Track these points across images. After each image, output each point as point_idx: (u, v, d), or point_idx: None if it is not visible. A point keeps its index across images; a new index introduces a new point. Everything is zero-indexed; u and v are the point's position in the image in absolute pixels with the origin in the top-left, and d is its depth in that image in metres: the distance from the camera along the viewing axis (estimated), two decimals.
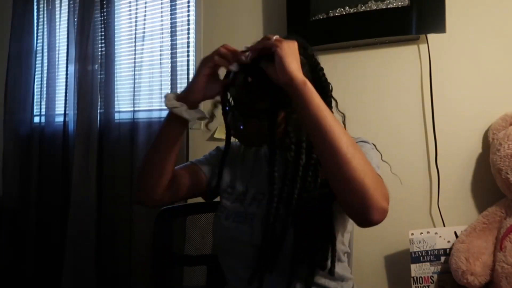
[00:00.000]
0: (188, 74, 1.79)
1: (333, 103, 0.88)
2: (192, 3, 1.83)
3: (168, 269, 1.19)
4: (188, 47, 1.81)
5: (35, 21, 2.26)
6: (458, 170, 1.35)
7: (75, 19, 2.05)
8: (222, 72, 0.86)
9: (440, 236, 1.27)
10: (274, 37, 0.75)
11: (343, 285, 0.88)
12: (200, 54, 1.80)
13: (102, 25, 1.99)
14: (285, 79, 0.70)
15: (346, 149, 0.65)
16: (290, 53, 0.71)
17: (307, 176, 0.80)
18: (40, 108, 2.19)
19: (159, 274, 1.16)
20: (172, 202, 1.01)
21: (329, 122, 0.67)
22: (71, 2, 2.09)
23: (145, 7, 1.92)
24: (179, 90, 1.81)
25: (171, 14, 1.84)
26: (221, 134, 1.67)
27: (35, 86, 2.23)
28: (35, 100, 2.24)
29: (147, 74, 1.92)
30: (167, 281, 1.17)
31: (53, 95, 2.15)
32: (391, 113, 1.45)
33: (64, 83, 2.09)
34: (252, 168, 0.96)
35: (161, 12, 1.89)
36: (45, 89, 2.16)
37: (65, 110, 2.07)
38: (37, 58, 2.22)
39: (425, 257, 1.26)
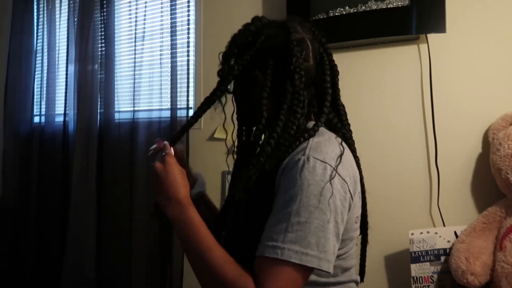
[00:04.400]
0: (188, 74, 1.79)
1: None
2: (192, 3, 1.83)
3: None
4: (188, 47, 1.81)
5: (35, 21, 2.26)
6: (458, 170, 1.35)
7: (75, 19, 2.05)
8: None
9: (440, 236, 1.27)
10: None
11: None
12: (200, 54, 1.80)
13: (102, 25, 1.99)
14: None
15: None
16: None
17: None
18: (40, 108, 2.19)
19: None
20: None
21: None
22: (71, 2, 2.09)
23: (145, 7, 1.92)
24: (179, 90, 1.81)
25: (171, 14, 1.84)
26: (220, 134, 1.68)
27: (35, 86, 2.23)
28: (35, 100, 2.24)
29: (147, 74, 1.92)
30: None
31: (53, 95, 2.15)
32: (391, 113, 1.45)
33: (64, 83, 2.09)
34: None
35: (161, 12, 1.89)
36: (45, 89, 2.16)
37: (65, 110, 2.07)
38: (37, 58, 2.22)
39: (425, 257, 1.26)
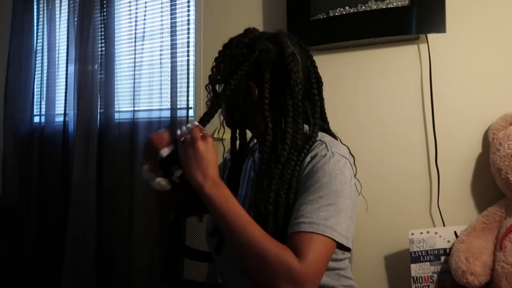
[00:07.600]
0: (188, 74, 1.79)
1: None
2: (192, 3, 1.83)
3: (180, 262, 1.34)
4: (188, 47, 1.81)
5: (35, 21, 2.26)
6: (458, 170, 1.35)
7: (75, 19, 2.05)
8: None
9: (440, 236, 1.27)
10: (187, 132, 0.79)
11: None
12: (200, 54, 1.80)
13: (102, 25, 1.99)
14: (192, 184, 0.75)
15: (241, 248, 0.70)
16: (191, 158, 0.75)
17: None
18: (40, 108, 2.19)
19: (171, 266, 1.29)
20: None
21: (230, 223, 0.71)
22: (71, 2, 2.09)
23: (145, 7, 1.92)
24: (179, 90, 1.81)
25: (171, 14, 1.84)
26: (220, 134, 1.68)
27: (35, 86, 2.23)
28: (35, 100, 2.24)
29: (147, 74, 1.92)
30: (177, 273, 1.31)
31: (53, 95, 2.15)
32: (391, 113, 1.45)
33: (64, 83, 2.09)
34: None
35: (161, 12, 1.89)
36: (45, 89, 2.16)
37: (65, 110, 2.07)
38: (37, 58, 2.22)
39: (425, 257, 1.26)
